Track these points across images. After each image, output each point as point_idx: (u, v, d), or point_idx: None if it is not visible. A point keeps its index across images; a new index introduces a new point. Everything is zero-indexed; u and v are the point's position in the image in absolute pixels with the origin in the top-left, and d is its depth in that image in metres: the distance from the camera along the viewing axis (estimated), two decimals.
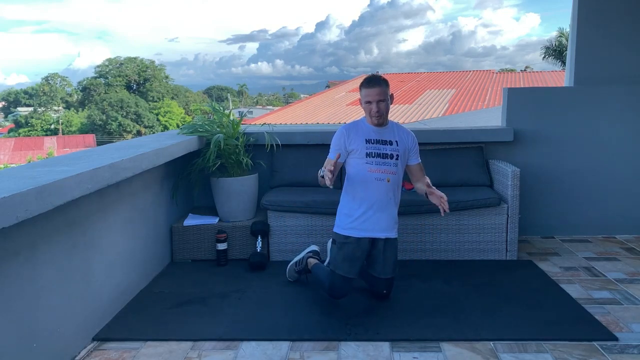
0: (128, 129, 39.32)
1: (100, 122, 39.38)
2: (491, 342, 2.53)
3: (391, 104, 3.02)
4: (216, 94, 53.71)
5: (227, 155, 3.87)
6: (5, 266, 2.01)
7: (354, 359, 2.41)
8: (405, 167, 3.09)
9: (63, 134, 40.01)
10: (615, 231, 4.29)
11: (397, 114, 15.65)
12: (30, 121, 42.52)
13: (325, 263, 3.15)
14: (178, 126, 22.72)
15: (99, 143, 33.74)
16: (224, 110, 4.07)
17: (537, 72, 25.40)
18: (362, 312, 2.88)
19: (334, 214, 3.12)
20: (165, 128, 39.68)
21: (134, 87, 45.51)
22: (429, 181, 3.00)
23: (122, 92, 42.78)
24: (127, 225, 3.08)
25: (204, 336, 2.63)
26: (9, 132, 42.02)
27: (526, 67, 30.67)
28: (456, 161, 4.07)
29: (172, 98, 45.69)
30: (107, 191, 2.78)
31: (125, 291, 3.04)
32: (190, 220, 3.82)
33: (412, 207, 3.64)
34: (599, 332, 2.61)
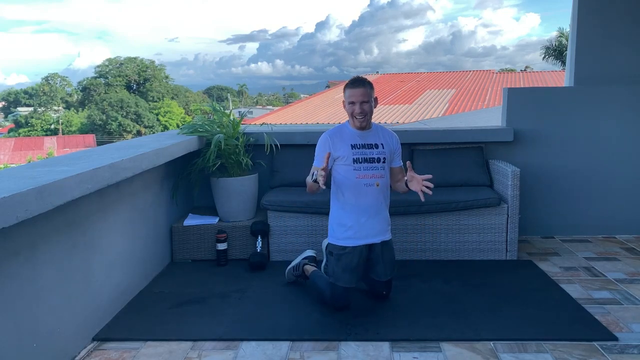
0: (128, 129, 39.31)
1: (100, 122, 39.38)
2: (491, 342, 2.53)
3: (375, 107, 2.98)
4: (216, 94, 53.66)
5: (227, 155, 3.87)
6: (5, 266, 2.01)
7: (354, 359, 2.41)
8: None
9: (63, 134, 40.01)
10: (615, 231, 4.29)
11: (397, 113, 15.66)
12: (30, 121, 42.52)
13: (322, 265, 3.11)
14: (178, 126, 22.71)
15: (99, 143, 33.74)
16: (224, 110, 4.07)
17: (537, 72, 25.40)
18: (362, 312, 2.88)
19: None
20: (165, 128, 39.68)
21: (134, 87, 45.51)
22: (409, 164, 2.93)
23: (122, 92, 42.78)
24: (127, 225, 3.08)
25: (204, 336, 2.63)
26: (9, 132, 42.02)
27: (526, 67, 30.67)
28: (456, 161, 4.07)
29: (172, 98, 45.69)
30: (107, 191, 2.78)
31: (125, 291, 3.04)
32: (190, 220, 3.82)
33: (412, 207, 3.64)
34: (599, 332, 2.61)
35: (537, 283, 3.29)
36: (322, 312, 2.89)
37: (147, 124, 40.38)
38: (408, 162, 2.96)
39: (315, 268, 3.17)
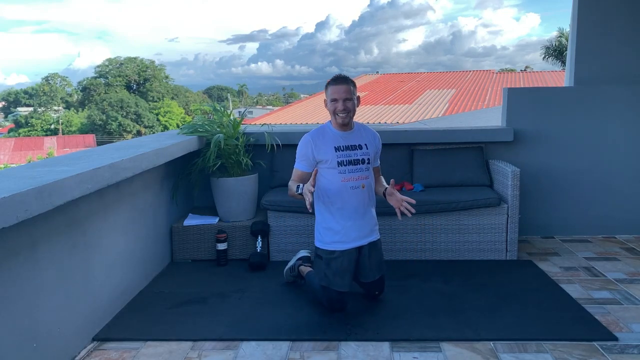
0: (128, 129, 39.32)
1: (100, 122, 39.38)
2: (491, 342, 2.53)
3: (357, 106, 2.92)
4: (216, 94, 53.74)
5: (227, 155, 3.87)
6: (5, 266, 2.01)
7: (354, 359, 2.41)
8: None
9: (63, 134, 40.02)
10: (615, 231, 4.29)
11: (397, 113, 15.66)
12: (30, 121, 42.52)
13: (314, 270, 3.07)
14: (178, 126, 22.71)
15: (99, 143, 33.75)
16: (224, 110, 4.07)
17: (537, 72, 25.39)
18: (362, 312, 2.88)
19: None
20: (165, 128, 39.69)
21: (134, 87, 45.51)
22: (392, 182, 2.89)
23: (122, 92, 42.78)
24: (127, 225, 3.08)
25: (204, 336, 2.63)
26: (9, 132, 42.02)
27: (526, 67, 30.66)
28: (456, 161, 4.07)
29: (172, 98, 45.69)
30: (107, 191, 2.78)
31: (125, 291, 3.04)
32: (190, 220, 3.82)
33: (411, 206, 3.63)
34: (599, 332, 2.61)
35: (537, 283, 3.29)
36: (322, 312, 2.89)
37: (147, 124, 40.38)
38: (392, 180, 2.91)
39: (310, 269, 3.16)
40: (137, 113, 40.27)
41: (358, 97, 2.92)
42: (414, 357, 2.42)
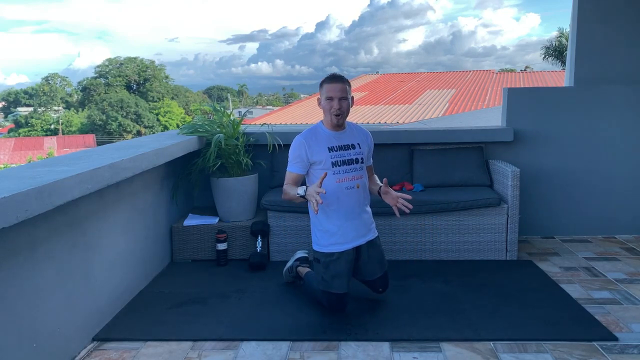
0: (128, 129, 39.33)
1: (100, 122, 39.39)
2: (491, 342, 2.53)
3: (351, 106, 2.90)
4: (216, 94, 53.72)
5: (227, 156, 3.87)
6: (5, 266, 2.01)
7: (354, 359, 2.41)
8: None
9: (63, 134, 40.02)
10: (615, 231, 4.29)
11: (397, 113, 15.66)
12: (30, 121, 42.54)
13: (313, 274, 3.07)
14: (178, 126, 22.71)
15: (99, 143, 33.75)
16: (224, 110, 4.07)
17: (537, 72, 25.39)
18: (362, 312, 2.88)
19: None
20: (165, 128, 39.70)
21: (134, 87, 45.53)
22: (385, 181, 2.90)
23: (122, 92, 42.80)
24: (127, 225, 3.08)
25: (204, 336, 2.63)
26: (9, 132, 42.04)
27: (526, 67, 30.65)
28: (456, 161, 4.07)
29: (172, 98, 45.71)
30: (107, 191, 2.78)
31: (125, 291, 3.04)
32: (190, 220, 3.82)
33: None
34: (599, 332, 2.61)
35: (537, 283, 3.29)
36: (322, 312, 2.89)
37: (147, 124, 40.39)
38: (385, 179, 2.91)
39: (308, 269, 3.16)
40: (137, 113, 40.27)
41: (352, 97, 2.91)
42: (414, 357, 2.42)
